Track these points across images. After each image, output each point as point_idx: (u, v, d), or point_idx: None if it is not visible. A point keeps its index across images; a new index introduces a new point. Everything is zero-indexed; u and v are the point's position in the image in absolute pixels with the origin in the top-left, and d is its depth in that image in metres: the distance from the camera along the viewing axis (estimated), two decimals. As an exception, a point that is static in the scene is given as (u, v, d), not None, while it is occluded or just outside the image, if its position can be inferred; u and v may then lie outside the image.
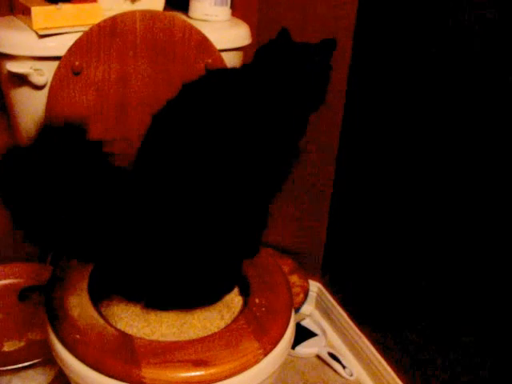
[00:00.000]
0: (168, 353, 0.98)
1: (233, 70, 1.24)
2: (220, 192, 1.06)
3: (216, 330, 1.09)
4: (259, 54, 1.19)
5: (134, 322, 1.12)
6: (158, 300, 1.16)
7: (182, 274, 1.11)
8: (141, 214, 1.08)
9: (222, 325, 1.12)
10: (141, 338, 1.02)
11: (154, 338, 1.08)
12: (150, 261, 1.09)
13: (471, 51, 1.13)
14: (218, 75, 1.15)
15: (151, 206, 1.07)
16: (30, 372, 1.40)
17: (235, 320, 1.09)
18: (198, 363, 0.96)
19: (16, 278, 1.57)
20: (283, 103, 1.13)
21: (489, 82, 1.10)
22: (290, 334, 1.10)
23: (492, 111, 1.10)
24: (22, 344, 1.39)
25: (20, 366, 1.33)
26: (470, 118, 1.15)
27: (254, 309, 1.10)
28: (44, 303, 1.13)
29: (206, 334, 1.07)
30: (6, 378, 1.37)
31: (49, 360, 1.36)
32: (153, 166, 1.08)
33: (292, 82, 1.14)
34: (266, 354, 1.01)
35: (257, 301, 1.13)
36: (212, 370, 0.96)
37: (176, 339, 1.08)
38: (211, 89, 1.10)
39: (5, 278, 1.56)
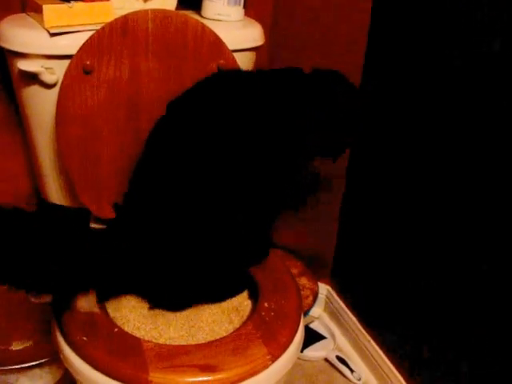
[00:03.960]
0: (176, 357, 0.97)
1: (244, 73, 1.23)
2: (227, 195, 1.07)
3: (224, 334, 1.09)
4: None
5: (142, 324, 1.11)
6: (162, 299, 1.16)
7: (189, 274, 1.11)
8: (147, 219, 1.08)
9: (231, 329, 1.11)
10: (149, 341, 1.02)
11: (161, 341, 1.07)
12: (155, 262, 1.09)
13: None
14: (227, 79, 1.16)
15: (157, 212, 1.08)
16: (37, 371, 1.39)
17: (244, 324, 1.08)
18: (206, 368, 0.95)
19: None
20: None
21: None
22: (298, 339, 1.09)
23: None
24: (30, 343, 1.39)
25: (27, 365, 1.33)
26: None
27: (263, 313, 1.09)
28: (51, 305, 1.12)
29: (214, 338, 1.07)
30: (13, 377, 1.37)
31: (56, 359, 1.35)
32: (159, 168, 1.09)
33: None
34: (274, 360, 1.00)
35: (266, 305, 1.12)
36: (220, 376, 0.95)
37: (184, 342, 1.07)
38: (218, 93, 1.12)
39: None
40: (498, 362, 1.19)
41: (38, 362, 1.34)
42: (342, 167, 1.66)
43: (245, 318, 1.14)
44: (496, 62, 1.09)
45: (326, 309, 1.87)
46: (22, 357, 1.35)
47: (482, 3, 1.11)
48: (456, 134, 1.22)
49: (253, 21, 1.45)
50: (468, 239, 1.22)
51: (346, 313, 1.75)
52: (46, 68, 1.19)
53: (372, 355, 1.62)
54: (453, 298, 1.29)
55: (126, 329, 1.08)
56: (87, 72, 1.19)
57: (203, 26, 1.25)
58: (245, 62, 1.36)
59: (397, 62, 1.39)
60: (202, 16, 1.41)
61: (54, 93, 1.21)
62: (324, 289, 1.85)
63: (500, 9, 1.07)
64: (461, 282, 1.26)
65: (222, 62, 1.29)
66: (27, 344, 1.39)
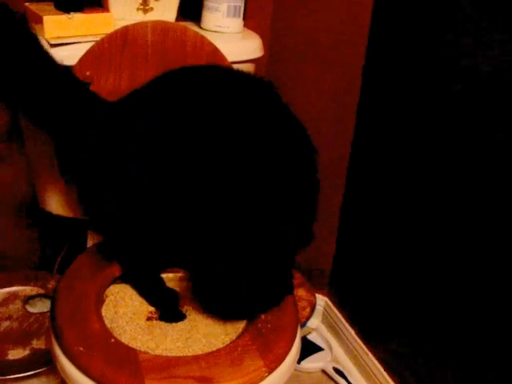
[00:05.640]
0: (172, 368, 0.97)
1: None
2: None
3: (221, 346, 1.09)
4: None
5: (139, 335, 1.11)
6: None
7: None
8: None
9: (227, 340, 1.11)
10: (145, 353, 1.02)
11: (158, 352, 1.07)
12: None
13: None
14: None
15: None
16: (34, 381, 1.40)
17: (240, 336, 1.08)
18: (202, 380, 0.95)
19: (22, 285, 1.57)
20: None
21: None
22: (295, 351, 1.09)
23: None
24: (27, 353, 1.39)
25: (24, 374, 1.33)
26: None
27: (260, 325, 1.09)
28: (49, 314, 1.13)
29: (210, 349, 1.07)
30: (10, 387, 1.38)
31: (53, 369, 1.35)
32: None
33: None
34: (270, 372, 1.00)
35: (262, 317, 1.12)
36: (216, 387, 0.95)
37: (180, 354, 1.07)
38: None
39: (11, 286, 1.57)
40: (498, 378, 1.19)
41: (34, 372, 1.34)
42: (341, 177, 1.66)
43: (241, 329, 1.14)
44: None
45: (323, 320, 1.87)
46: (18, 366, 1.35)
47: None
48: (456, 139, 1.22)
49: (252, 32, 1.45)
50: (468, 254, 1.22)
51: (343, 324, 1.75)
52: (46, 78, 1.19)
53: (369, 367, 1.62)
54: (451, 311, 1.29)
55: (122, 339, 1.07)
56: (87, 83, 1.19)
57: (202, 38, 1.26)
58: (244, 73, 1.37)
59: (396, 67, 1.39)
60: (201, 27, 1.41)
61: (53, 103, 1.21)
62: (322, 300, 1.85)
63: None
64: (460, 295, 1.26)
65: (220, 73, 1.30)
66: (24, 353, 1.39)
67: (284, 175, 1.08)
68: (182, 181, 1.04)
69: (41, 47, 1.09)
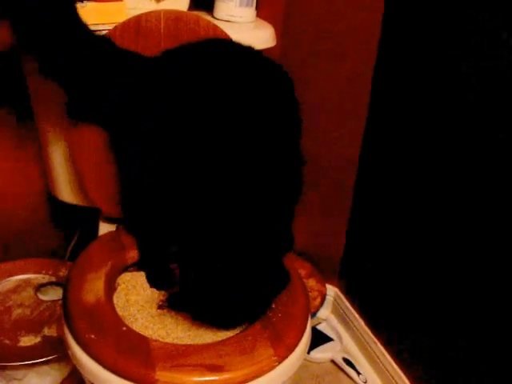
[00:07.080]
0: (183, 356, 0.97)
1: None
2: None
3: (231, 335, 1.09)
4: None
5: (150, 323, 1.12)
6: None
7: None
8: None
9: (238, 329, 1.11)
10: (156, 341, 1.02)
11: (169, 340, 1.08)
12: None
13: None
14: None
15: None
16: (45, 367, 1.40)
17: (251, 325, 1.08)
18: (213, 368, 0.96)
19: (34, 273, 1.58)
20: None
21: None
22: (305, 341, 1.09)
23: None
24: (38, 340, 1.39)
25: (35, 361, 1.34)
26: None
27: (270, 314, 1.09)
28: (61, 302, 1.13)
29: (221, 338, 1.07)
30: (21, 373, 1.38)
31: (64, 356, 1.36)
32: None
33: None
34: (280, 361, 1.00)
35: (273, 306, 1.12)
36: (226, 376, 0.95)
37: (191, 342, 1.07)
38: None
39: (23, 273, 1.57)
40: (509, 369, 1.19)
41: (46, 359, 1.35)
42: (353, 168, 1.66)
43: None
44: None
45: (333, 311, 1.87)
46: (30, 353, 1.36)
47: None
48: (468, 141, 1.22)
49: (264, 22, 1.45)
50: (480, 242, 1.22)
51: (353, 315, 1.75)
52: (59, 67, 1.19)
53: (378, 358, 1.62)
54: (461, 304, 1.29)
55: (134, 328, 1.08)
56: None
57: (215, 27, 1.26)
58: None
59: (410, 58, 1.39)
60: (214, 17, 1.41)
61: (65, 92, 1.22)
62: (332, 291, 1.85)
63: None
64: (471, 286, 1.26)
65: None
66: (35, 341, 1.39)
67: (284, 180, 1.10)
68: (182, 181, 1.04)
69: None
